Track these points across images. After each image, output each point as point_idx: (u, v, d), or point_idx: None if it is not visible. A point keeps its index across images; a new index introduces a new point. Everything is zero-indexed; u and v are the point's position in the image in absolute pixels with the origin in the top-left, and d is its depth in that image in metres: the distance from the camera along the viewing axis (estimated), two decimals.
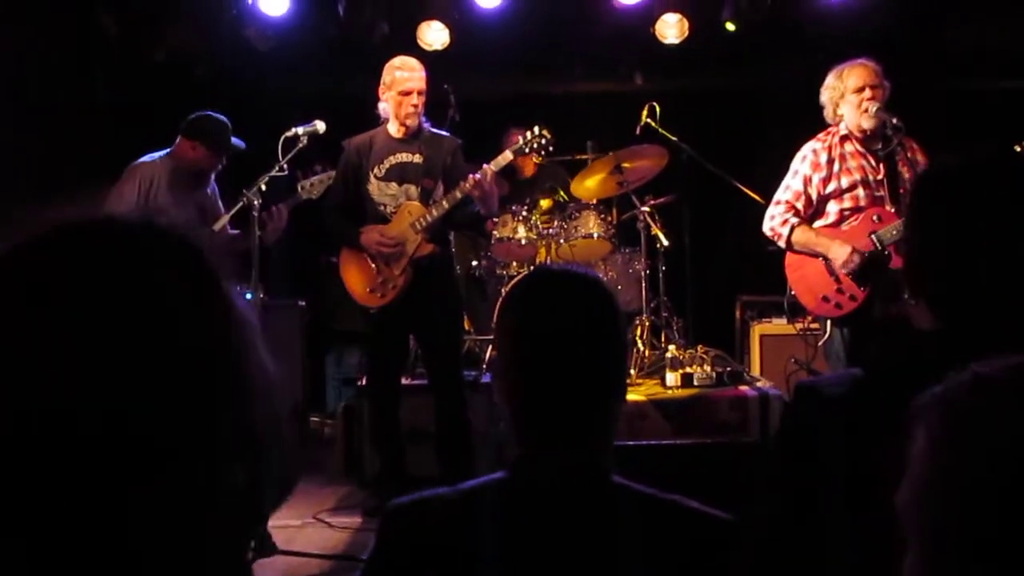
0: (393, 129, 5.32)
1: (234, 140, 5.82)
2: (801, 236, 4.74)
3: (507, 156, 5.35)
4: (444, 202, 5.20)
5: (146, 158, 5.75)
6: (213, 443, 0.83)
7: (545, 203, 7.46)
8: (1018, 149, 4.59)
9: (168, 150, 5.78)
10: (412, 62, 5.30)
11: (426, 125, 5.36)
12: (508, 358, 1.71)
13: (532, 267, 7.02)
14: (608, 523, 1.58)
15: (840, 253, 4.60)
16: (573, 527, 1.58)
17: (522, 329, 1.68)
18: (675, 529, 1.60)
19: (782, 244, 4.80)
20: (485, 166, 5.23)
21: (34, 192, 6.19)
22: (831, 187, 4.69)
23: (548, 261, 7.09)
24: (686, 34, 7.19)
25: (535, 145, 5.41)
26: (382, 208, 5.31)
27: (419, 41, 7.09)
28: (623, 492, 1.62)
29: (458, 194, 5.18)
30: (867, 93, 4.60)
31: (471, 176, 5.17)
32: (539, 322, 1.66)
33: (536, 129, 5.40)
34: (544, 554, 1.57)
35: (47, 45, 6.46)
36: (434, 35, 7.20)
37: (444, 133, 5.48)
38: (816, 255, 4.72)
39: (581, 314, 1.66)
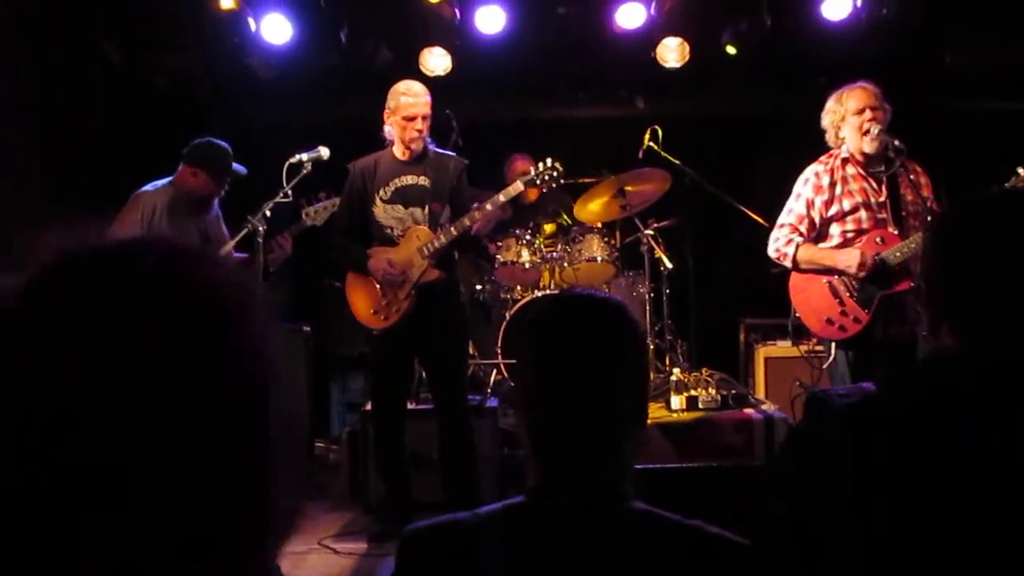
0: (398, 152, 5.34)
1: (235, 166, 5.84)
2: (806, 253, 4.75)
3: (518, 187, 5.37)
4: (452, 229, 5.21)
5: (148, 187, 5.78)
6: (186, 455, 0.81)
7: (549, 227, 7.47)
8: (1022, 172, 4.60)
9: (170, 178, 5.81)
10: (417, 87, 5.32)
11: (431, 146, 5.38)
12: (527, 383, 1.70)
13: (536, 291, 7.03)
14: (626, 549, 1.58)
15: (851, 258, 4.60)
16: (591, 553, 1.58)
17: (543, 354, 1.67)
18: (698, 555, 1.59)
19: (788, 264, 4.80)
20: (491, 199, 5.27)
21: (36, 219, 6.20)
22: (833, 209, 4.70)
23: (552, 285, 7.11)
24: (687, 58, 7.21)
25: (546, 177, 5.43)
26: (388, 231, 5.32)
27: (421, 67, 7.11)
28: (644, 518, 1.61)
29: (467, 222, 5.21)
30: (867, 115, 4.61)
31: (476, 208, 5.21)
32: (560, 347, 1.65)
33: (548, 161, 5.42)
34: None
35: (49, 71, 6.48)
36: (436, 61, 7.23)
37: (449, 153, 5.49)
38: (824, 269, 4.72)
39: (603, 340, 1.65)
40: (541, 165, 5.44)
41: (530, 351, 1.70)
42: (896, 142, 4.53)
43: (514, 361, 1.78)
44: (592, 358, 1.63)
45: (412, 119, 5.22)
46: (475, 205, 5.31)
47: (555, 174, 5.43)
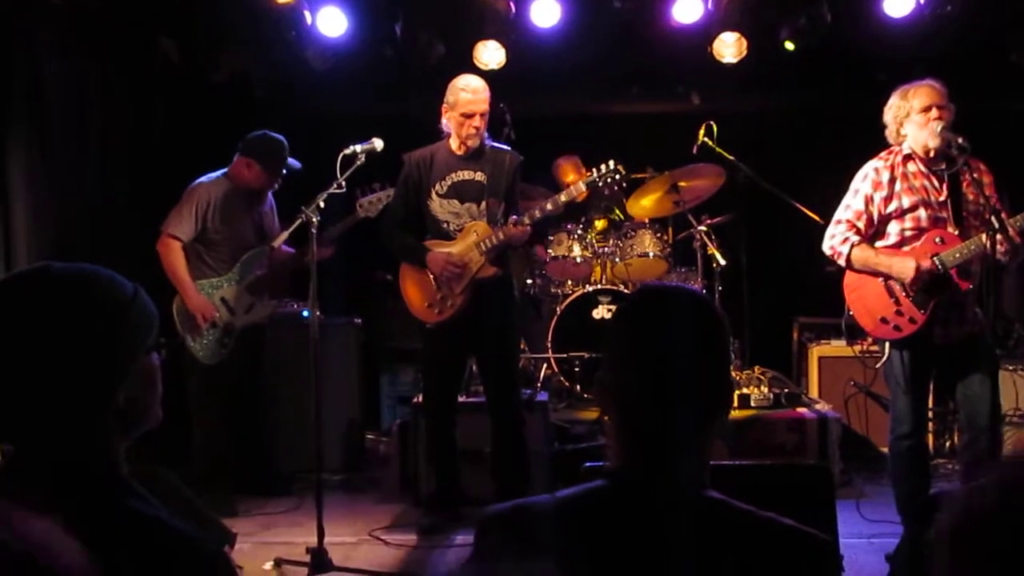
0: (455, 146, 5.33)
1: (290, 161, 5.88)
2: (861, 254, 4.66)
3: (580, 188, 5.37)
4: (511, 227, 5.21)
5: (204, 178, 5.85)
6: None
7: (600, 222, 7.45)
8: None
9: (225, 170, 5.88)
10: (477, 83, 5.30)
11: (488, 141, 5.37)
12: (617, 371, 1.72)
13: (587, 286, 7.01)
14: (702, 537, 1.58)
15: (906, 268, 4.52)
16: (669, 538, 1.59)
17: (634, 343, 1.70)
18: (771, 546, 1.60)
19: (842, 263, 4.73)
20: (526, 215, 5.27)
21: (98, 213, 6.31)
22: (892, 206, 4.62)
23: (603, 280, 7.08)
24: (744, 54, 7.14)
25: (608, 180, 5.39)
26: (444, 225, 5.33)
27: (475, 61, 7.11)
28: (719, 507, 1.63)
29: (527, 221, 5.22)
30: (934, 113, 4.52)
31: (538, 208, 5.23)
32: (651, 337, 1.68)
33: (611, 163, 5.38)
34: (637, 565, 1.57)
35: (109, 69, 6.57)
36: (490, 55, 7.23)
37: (505, 148, 5.48)
38: (877, 274, 4.65)
39: (693, 330, 1.68)
40: (604, 167, 5.39)
41: (621, 340, 1.73)
42: (960, 140, 4.44)
43: (602, 351, 1.78)
44: (682, 347, 1.66)
45: (471, 116, 5.21)
46: (538, 205, 5.32)
47: (617, 176, 5.39)
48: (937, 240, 4.55)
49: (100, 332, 1.58)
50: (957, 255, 4.47)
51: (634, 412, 1.68)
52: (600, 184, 5.41)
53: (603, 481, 1.67)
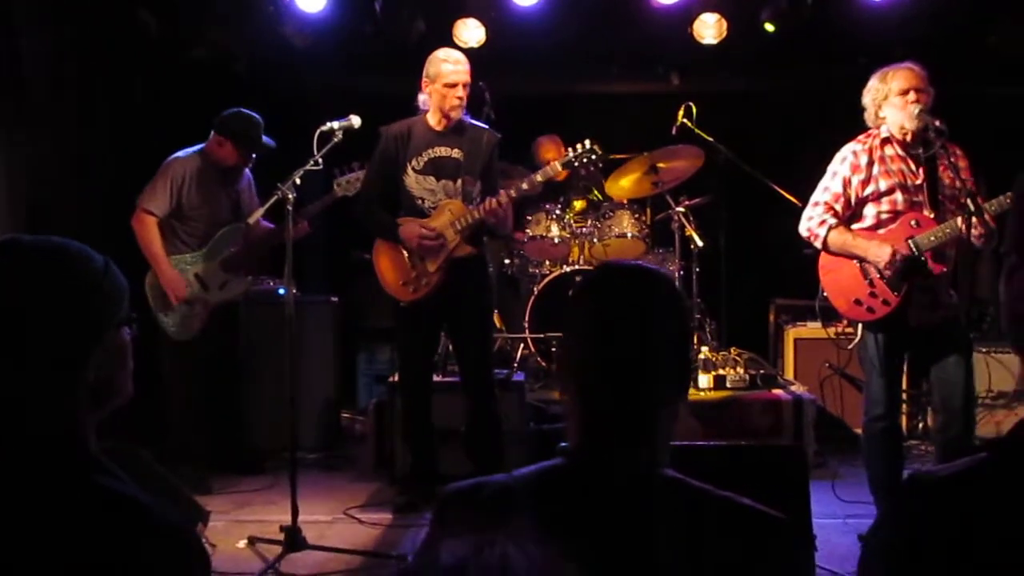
0: (433, 121, 5.29)
1: (264, 140, 5.84)
2: (838, 238, 4.68)
3: (556, 168, 5.34)
4: (486, 206, 5.18)
5: (180, 154, 5.82)
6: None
7: (579, 203, 7.44)
8: None
9: (202, 145, 5.84)
10: (457, 55, 5.28)
11: (466, 118, 5.34)
12: (572, 350, 1.72)
13: (565, 266, 7.01)
14: (657, 516, 1.58)
15: (882, 253, 4.54)
16: (624, 516, 1.59)
17: (586, 323, 1.70)
18: (727, 524, 1.59)
19: (818, 245, 4.74)
20: (501, 192, 5.22)
21: (75, 187, 6.26)
22: (869, 189, 4.63)
23: (581, 260, 7.08)
24: (724, 35, 7.14)
25: (584, 160, 5.34)
26: (419, 202, 5.29)
27: (455, 38, 7.08)
28: (676, 485, 1.63)
29: (503, 199, 5.17)
30: (912, 96, 4.53)
31: (487, 201, 5.16)
32: (603, 317, 1.68)
33: (587, 143, 5.33)
34: (592, 543, 1.56)
35: (87, 42, 6.51)
36: (470, 33, 7.20)
37: (483, 126, 5.44)
38: (853, 257, 4.66)
39: (644, 310, 1.67)
40: (580, 147, 5.33)
41: (579, 318, 1.72)
42: (937, 122, 4.44)
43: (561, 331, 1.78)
44: (640, 326, 1.65)
45: (453, 86, 5.18)
46: (515, 184, 5.28)
47: (593, 157, 5.35)
48: (913, 223, 4.57)
49: (69, 305, 1.57)
50: (932, 238, 4.49)
51: (591, 391, 1.68)
52: (576, 164, 5.37)
53: (560, 460, 1.67)
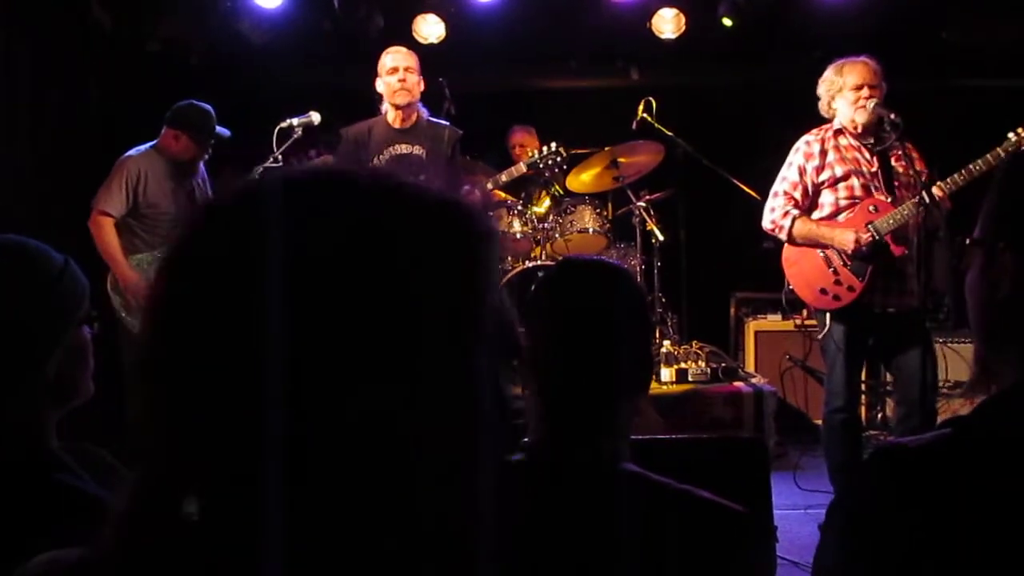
0: (392, 118, 5.28)
1: (218, 128, 5.79)
2: (803, 227, 4.73)
3: (521, 168, 5.38)
4: None
5: (133, 151, 5.74)
6: None
7: (542, 203, 7.44)
8: (1012, 137, 4.60)
9: (155, 142, 5.77)
10: (397, 47, 5.35)
11: (425, 113, 5.34)
12: (533, 344, 1.73)
13: (527, 262, 7.01)
14: (617, 509, 1.59)
15: (847, 238, 4.60)
16: (582, 511, 1.60)
17: (545, 318, 1.71)
18: (686, 518, 1.60)
19: (783, 237, 4.79)
20: (493, 179, 5.25)
21: (30, 186, 6.18)
22: (825, 175, 4.69)
23: (543, 256, 7.09)
24: (683, 29, 7.16)
25: (549, 161, 5.39)
26: None
27: (414, 34, 7.06)
28: (635, 479, 1.63)
29: None
30: (864, 92, 4.60)
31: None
32: (561, 312, 1.69)
33: (552, 145, 5.39)
34: (552, 539, 1.57)
35: (41, 37, 6.42)
36: (429, 28, 7.18)
37: (443, 123, 5.45)
38: (818, 245, 4.72)
39: (601, 306, 1.68)
40: (545, 149, 5.40)
41: (538, 313, 1.73)
42: (892, 115, 4.50)
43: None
44: (598, 321, 1.66)
45: (395, 70, 5.19)
46: (479, 184, 5.29)
47: (559, 159, 5.40)
48: (871, 208, 4.63)
49: (29, 304, 1.55)
50: (891, 221, 4.57)
51: (550, 385, 1.69)
52: (542, 166, 5.41)
53: (520, 455, 1.67)
